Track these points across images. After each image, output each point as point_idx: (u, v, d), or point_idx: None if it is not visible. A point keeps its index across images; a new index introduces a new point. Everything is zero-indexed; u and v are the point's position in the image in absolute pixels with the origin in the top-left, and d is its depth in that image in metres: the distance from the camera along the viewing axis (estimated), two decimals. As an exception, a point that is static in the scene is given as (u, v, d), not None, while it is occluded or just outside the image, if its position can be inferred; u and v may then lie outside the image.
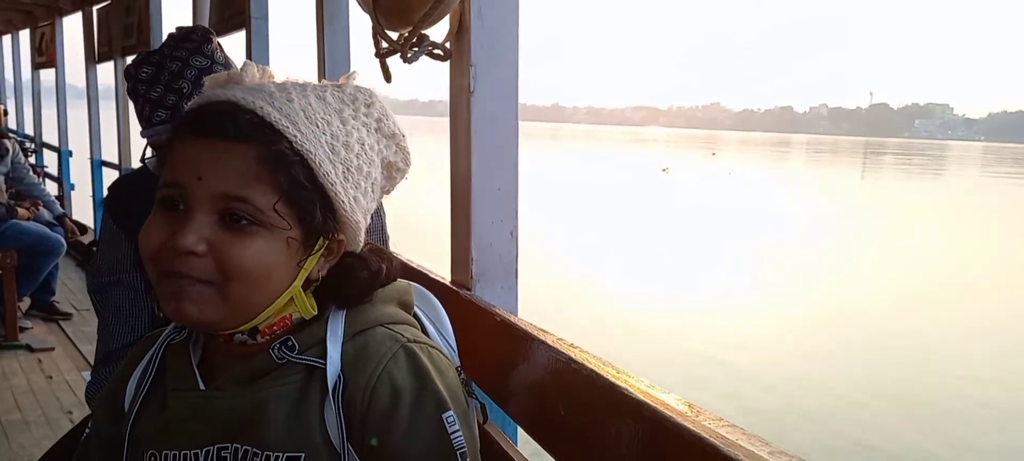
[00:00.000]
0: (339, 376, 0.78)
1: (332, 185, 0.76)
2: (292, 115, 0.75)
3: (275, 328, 0.80)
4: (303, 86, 0.80)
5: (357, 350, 0.80)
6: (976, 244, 17.67)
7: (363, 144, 0.81)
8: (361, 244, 0.84)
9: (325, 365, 0.78)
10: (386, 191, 0.87)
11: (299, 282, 0.79)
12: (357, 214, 0.80)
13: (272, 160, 0.73)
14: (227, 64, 1.46)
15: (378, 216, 1.56)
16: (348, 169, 0.78)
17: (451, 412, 0.79)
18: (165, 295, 0.75)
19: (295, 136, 0.74)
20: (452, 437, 0.78)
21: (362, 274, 0.83)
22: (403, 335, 0.82)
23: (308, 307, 0.81)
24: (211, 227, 0.73)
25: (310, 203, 0.76)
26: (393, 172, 0.86)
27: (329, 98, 0.80)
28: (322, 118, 0.78)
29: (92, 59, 6.30)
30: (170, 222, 0.74)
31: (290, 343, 0.80)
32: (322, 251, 0.80)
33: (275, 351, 0.79)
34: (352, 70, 0.87)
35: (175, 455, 0.81)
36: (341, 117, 0.79)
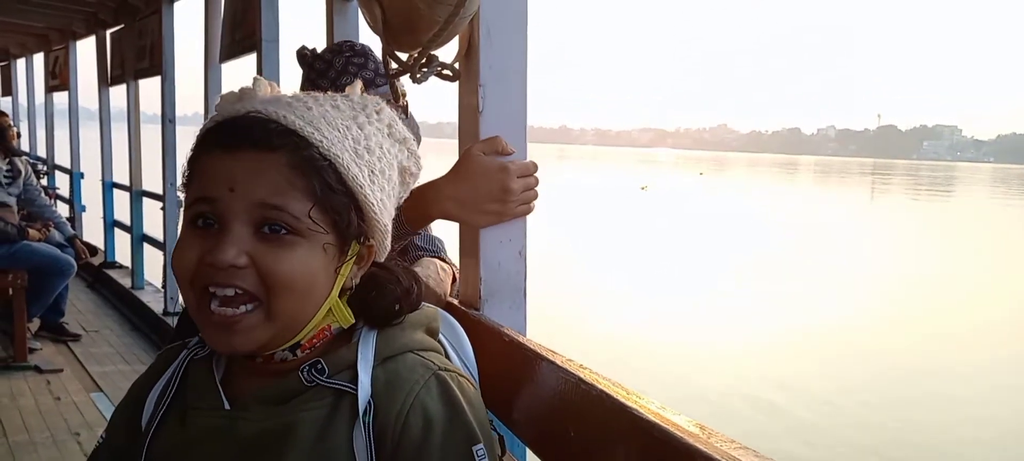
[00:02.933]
0: (370, 402, 0.77)
1: (361, 187, 0.77)
2: (314, 122, 0.76)
3: (315, 341, 0.80)
4: (315, 96, 0.81)
5: (388, 376, 0.79)
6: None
7: (382, 147, 0.81)
8: (388, 250, 0.84)
9: (356, 390, 0.78)
10: (399, 199, 0.87)
11: (337, 290, 0.79)
12: (384, 217, 0.81)
13: (303, 166, 0.73)
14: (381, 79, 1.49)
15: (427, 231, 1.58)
16: (372, 172, 0.79)
17: (481, 446, 0.78)
18: (211, 328, 0.75)
19: (321, 141, 0.75)
20: None
21: (394, 289, 0.83)
22: (433, 362, 0.82)
23: (346, 315, 0.81)
24: (249, 239, 0.73)
25: (344, 207, 0.76)
26: (406, 177, 0.87)
27: (342, 106, 0.81)
28: (342, 123, 0.78)
29: (105, 82, 6.39)
30: (204, 240, 0.74)
31: (320, 366, 0.79)
32: (354, 257, 0.80)
33: (304, 374, 0.79)
34: (355, 81, 0.88)
35: None
36: (357, 122, 0.80)
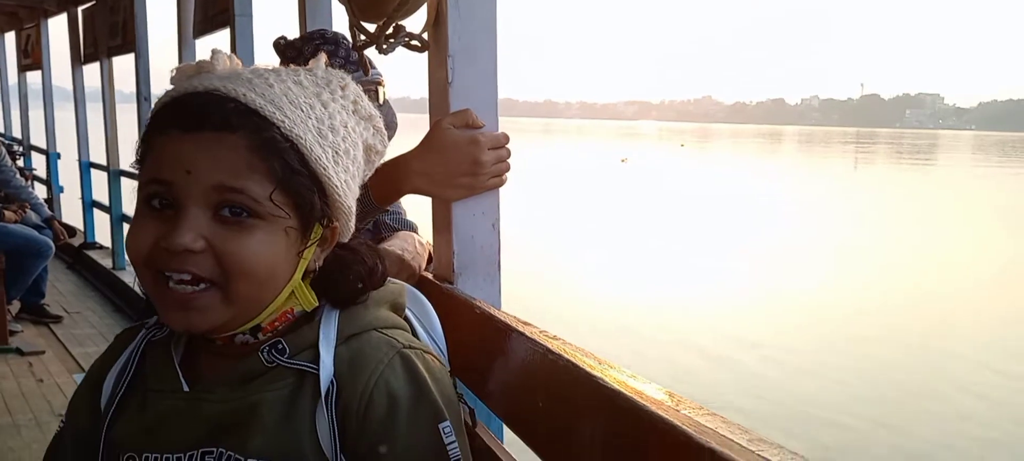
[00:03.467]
0: (332, 382, 0.76)
1: (325, 169, 0.74)
2: (276, 100, 0.72)
3: (277, 323, 0.78)
4: (277, 71, 0.77)
5: (351, 355, 0.78)
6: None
7: (346, 126, 0.78)
8: (352, 231, 0.82)
9: (318, 370, 0.76)
10: (364, 177, 0.85)
11: (299, 273, 0.77)
12: (349, 198, 0.79)
13: (264, 148, 0.71)
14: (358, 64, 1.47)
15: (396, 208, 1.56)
16: (337, 152, 0.76)
17: (447, 422, 0.77)
18: (167, 305, 0.73)
19: (283, 121, 0.72)
20: (448, 448, 0.77)
21: (357, 269, 0.81)
22: (398, 340, 0.80)
23: (309, 299, 0.80)
24: (207, 223, 0.71)
25: (306, 190, 0.73)
26: (372, 154, 0.85)
27: (305, 82, 0.78)
28: (305, 102, 0.75)
29: (78, 60, 6.27)
30: (160, 222, 0.71)
31: (281, 346, 0.77)
32: (318, 239, 0.78)
33: (264, 354, 0.77)
34: (319, 54, 0.85)
35: (156, 457, 0.78)
36: (321, 100, 0.77)
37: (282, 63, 1.52)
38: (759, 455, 0.56)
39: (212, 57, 0.77)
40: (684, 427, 0.58)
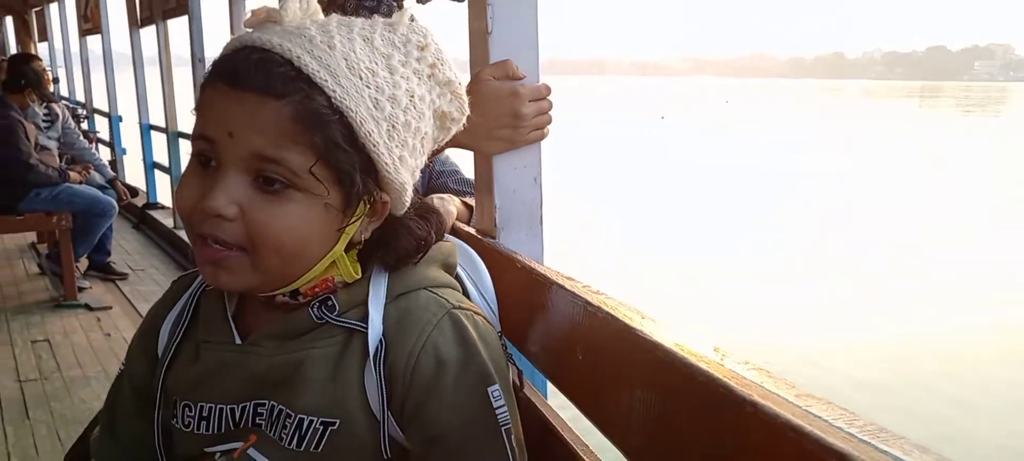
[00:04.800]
0: (381, 341, 0.75)
1: (374, 146, 0.70)
2: (332, 66, 0.68)
3: (317, 290, 0.77)
4: (349, 25, 0.72)
5: (400, 314, 0.77)
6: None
7: (412, 96, 0.73)
8: (407, 205, 0.79)
9: (366, 329, 0.76)
10: (438, 142, 0.80)
11: (341, 247, 0.75)
12: (402, 175, 0.74)
13: (307, 118, 0.67)
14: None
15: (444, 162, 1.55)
16: (393, 126, 0.71)
17: (496, 386, 0.77)
18: (202, 261, 0.73)
19: (334, 91, 0.67)
20: (497, 412, 0.76)
21: (407, 242, 0.79)
22: (448, 300, 0.79)
23: (351, 271, 0.78)
24: (243, 189, 0.69)
25: (349, 166, 0.70)
26: (447, 122, 0.79)
27: (377, 41, 0.72)
28: (367, 67, 0.70)
29: (135, 23, 6.42)
30: (203, 180, 0.71)
31: (330, 303, 0.77)
32: (364, 215, 0.75)
33: (314, 311, 0.77)
34: (405, 7, 0.78)
35: (210, 407, 0.80)
36: (389, 65, 0.72)
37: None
38: (805, 410, 0.54)
39: (283, 5, 0.72)
40: (725, 379, 0.56)
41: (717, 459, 0.57)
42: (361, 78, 0.69)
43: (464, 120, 0.81)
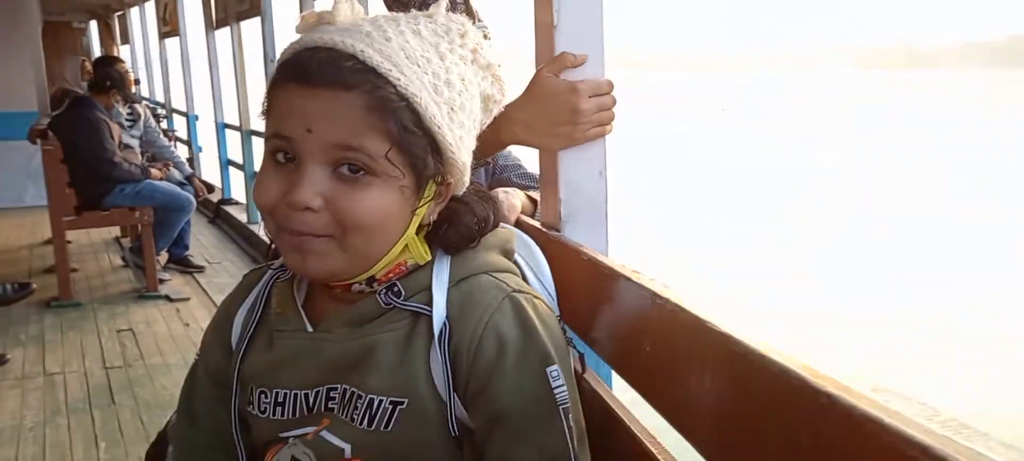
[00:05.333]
0: (445, 323, 0.78)
1: (439, 128, 0.75)
2: (393, 57, 0.73)
3: (391, 275, 0.81)
4: (396, 21, 0.77)
5: (462, 298, 0.80)
6: None
7: (463, 79, 0.78)
8: (466, 186, 0.83)
9: (431, 312, 0.79)
10: (482, 125, 0.85)
11: (413, 229, 0.79)
12: (463, 154, 0.79)
13: (379, 107, 0.72)
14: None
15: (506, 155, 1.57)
16: (452, 108, 0.76)
17: (556, 366, 0.78)
18: (287, 249, 0.77)
19: (399, 79, 0.72)
20: (556, 391, 0.78)
21: (469, 220, 0.83)
22: (508, 284, 0.81)
23: (422, 252, 0.82)
24: (325, 180, 0.73)
25: (421, 149, 0.75)
26: (490, 104, 0.84)
27: (424, 31, 0.77)
28: (422, 56, 0.75)
29: (210, 25, 6.65)
30: (283, 176, 0.75)
31: (397, 288, 0.80)
32: (432, 197, 0.79)
33: (382, 296, 0.80)
34: (439, 1, 0.83)
35: (285, 393, 0.84)
36: (438, 52, 0.77)
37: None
38: (880, 402, 0.53)
39: (335, 8, 0.78)
40: (799, 371, 0.56)
41: (791, 450, 0.56)
42: (419, 66, 0.74)
43: (504, 103, 0.86)
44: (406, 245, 0.80)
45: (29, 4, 6.21)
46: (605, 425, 0.89)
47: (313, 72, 0.72)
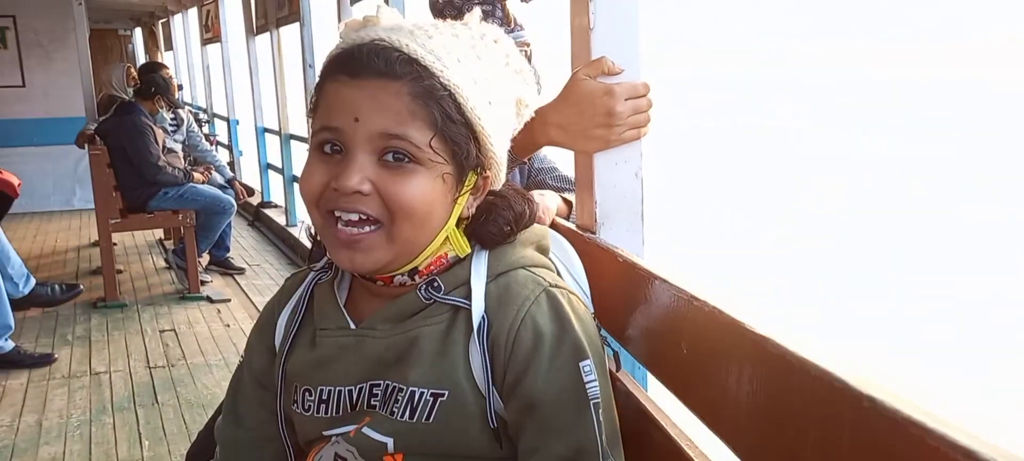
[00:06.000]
0: (483, 317, 0.80)
1: (479, 119, 0.78)
2: (436, 51, 0.76)
3: (432, 267, 0.83)
4: (435, 25, 0.81)
5: (500, 292, 0.81)
6: None
7: (499, 78, 0.82)
8: (503, 181, 0.86)
9: (470, 306, 0.80)
10: (514, 129, 0.88)
11: (453, 219, 0.81)
12: (500, 148, 0.82)
13: (425, 96, 0.75)
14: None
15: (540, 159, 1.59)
16: (490, 103, 0.79)
17: (589, 361, 0.79)
18: (335, 244, 0.79)
19: (442, 71, 0.75)
20: (587, 386, 0.79)
21: (506, 213, 0.85)
22: (544, 279, 0.83)
23: (462, 244, 0.84)
24: (372, 167, 0.76)
25: (463, 138, 0.77)
26: (520, 108, 0.87)
27: (461, 34, 0.81)
28: (461, 53, 0.79)
29: (251, 31, 6.78)
30: (330, 166, 0.77)
31: (436, 284, 0.82)
32: (471, 188, 0.82)
33: (422, 292, 0.82)
34: (474, 9, 0.87)
35: (329, 390, 0.86)
36: (475, 52, 0.81)
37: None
38: (925, 408, 0.52)
39: (378, 11, 0.81)
40: (839, 374, 0.55)
41: (831, 453, 0.55)
42: (459, 61, 0.78)
43: (533, 108, 0.89)
44: (447, 237, 0.82)
45: (78, 13, 6.39)
46: (640, 425, 0.89)
47: (361, 64, 0.75)
